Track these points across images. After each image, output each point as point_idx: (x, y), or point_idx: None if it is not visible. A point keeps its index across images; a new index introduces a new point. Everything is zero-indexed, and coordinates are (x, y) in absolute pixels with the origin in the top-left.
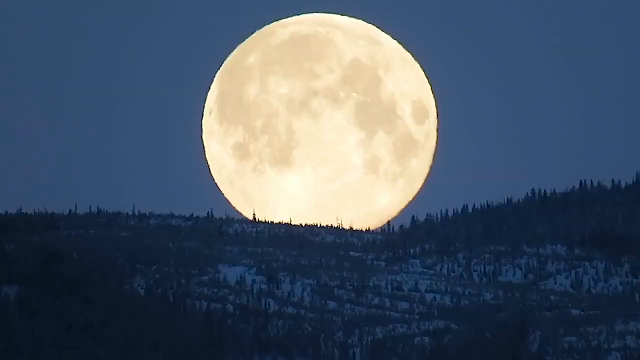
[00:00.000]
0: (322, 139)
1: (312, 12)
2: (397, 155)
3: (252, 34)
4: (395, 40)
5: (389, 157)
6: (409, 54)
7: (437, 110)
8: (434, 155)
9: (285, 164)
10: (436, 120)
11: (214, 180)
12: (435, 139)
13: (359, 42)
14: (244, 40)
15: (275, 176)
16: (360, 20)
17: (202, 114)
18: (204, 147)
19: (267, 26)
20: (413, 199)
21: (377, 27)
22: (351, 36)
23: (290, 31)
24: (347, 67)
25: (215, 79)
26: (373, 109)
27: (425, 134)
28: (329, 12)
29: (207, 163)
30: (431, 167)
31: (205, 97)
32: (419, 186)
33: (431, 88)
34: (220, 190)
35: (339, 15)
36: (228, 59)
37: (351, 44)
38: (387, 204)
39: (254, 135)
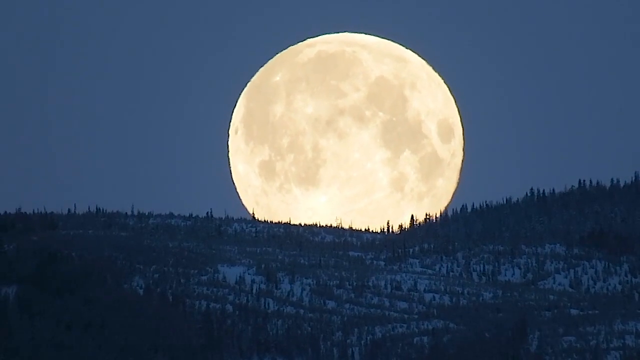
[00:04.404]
0: (348, 158)
1: (339, 32)
2: (423, 174)
3: (279, 52)
4: (421, 59)
5: (415, 176)
6: (435, 72)
7: (462, 128)
8: (460, 174)
9: (311, 183)
10: (462, 139)
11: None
12: (461, 158)
13: (385, 61)
14: (270, 59)
15: (301, 195)
16: (386, 39)
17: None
18: (228, 155)
19: (293, 45)
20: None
21: (403, 46)
22: (377, 55)
23: (316, 50)
24: (373, 85)
25: (241, 96)
26: (399, 128)
27: (451, 152)
28: (355, 32)
29: (231, 173)
30: (458, 185)
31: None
32: (445, 205)
33: (457, 106)
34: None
35: (365, 34)
36: (254, 76)
37: (377, 63)
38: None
39: (280, 154)
